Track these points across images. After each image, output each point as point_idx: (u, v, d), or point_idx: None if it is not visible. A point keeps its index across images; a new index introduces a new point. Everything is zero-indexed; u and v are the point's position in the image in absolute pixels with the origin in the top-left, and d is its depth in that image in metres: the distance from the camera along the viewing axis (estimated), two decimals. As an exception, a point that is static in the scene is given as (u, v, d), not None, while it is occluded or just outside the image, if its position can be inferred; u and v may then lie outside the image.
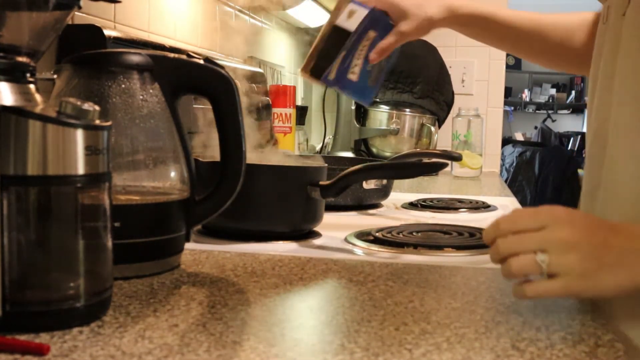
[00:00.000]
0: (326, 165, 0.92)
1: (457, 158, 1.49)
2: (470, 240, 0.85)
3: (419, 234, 0.91)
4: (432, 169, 0.91)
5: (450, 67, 2.26)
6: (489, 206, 1.26)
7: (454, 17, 0.99)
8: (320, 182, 0.85)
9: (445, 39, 2.49)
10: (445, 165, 0.96)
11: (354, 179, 0.87)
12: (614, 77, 0.70)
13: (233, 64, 1.50)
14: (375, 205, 1.25)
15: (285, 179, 0.86)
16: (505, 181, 4.96)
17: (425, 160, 1.36)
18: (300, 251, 0.79)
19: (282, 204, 0.85)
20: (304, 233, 0.88)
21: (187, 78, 0.69)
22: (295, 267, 0.70)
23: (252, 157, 0.98)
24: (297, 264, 0.71)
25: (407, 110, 2.09)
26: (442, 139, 2.25)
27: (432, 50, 2.19)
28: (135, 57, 0.67)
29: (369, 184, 1.17)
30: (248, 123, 1.10)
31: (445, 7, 0.97)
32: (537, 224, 0.52)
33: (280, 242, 0.83)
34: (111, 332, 0.48)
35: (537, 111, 7.93)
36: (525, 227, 0.52)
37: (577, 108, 7.76)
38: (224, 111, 0.69)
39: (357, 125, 2.11)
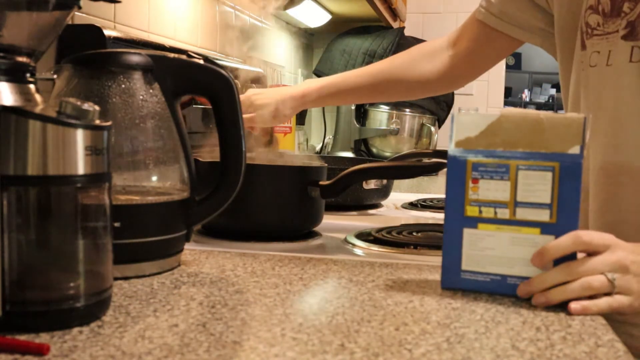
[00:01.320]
0: (326, 165, 0.92)
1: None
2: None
3: (419, 234, 0.91)
4: (433, 169, 0.91)
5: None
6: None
7: (304, 104, 1.11)
8: (320, 182, 0.86)
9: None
10: (445, 165, 0.96)
11: (354, 178, 0.87)
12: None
13: (233, 64, 1.50)
14: (375, 206, 1.25)
15: (285, 179, 0.86)
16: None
17: (426, 160, 1.36)
18: (300, 251, 0.79)
19: (282, 204, 0.85)
20: (304, 233, 0.89)
21: (187, 78, 0.69)
22: (295, 267, 0.70)
23: (253, 156, 0.98)
24: (297, 264, 0.71)
25: (407, 110, 2.09)
26: (442, 139, 2.25)
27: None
28: (135, 57, 0.67)
29: (369, 184, 1.17)
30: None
31: (294, 106, 1.09)
32: (604, 246, 0.59)
33: (280, 242, 0.83)
34: (111, 332, 0.48)
35: (537, 111, 7.93)
36: (597, 247, 0.58)
37: (577, 108, 7.74)
38: (224, 111, 0.69)
39: (357, 125, 2.12)
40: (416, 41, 2.19)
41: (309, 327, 0.51)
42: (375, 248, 0.81)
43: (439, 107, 2.14)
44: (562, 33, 0.87)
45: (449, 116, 2.24)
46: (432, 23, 2.54)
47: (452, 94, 2.22)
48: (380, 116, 2.10)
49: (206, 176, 0.75)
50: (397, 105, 2.08)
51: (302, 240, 0.85)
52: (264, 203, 0.84)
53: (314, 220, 0.89)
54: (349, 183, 0.87)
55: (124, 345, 0.45)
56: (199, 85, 0.70)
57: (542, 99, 8.08)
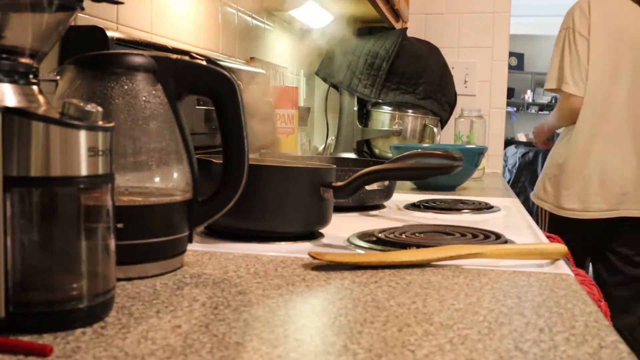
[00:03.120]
0: (335, 166, 0.92)
1: (459, 158, 1.48)
2: (473, 241, 0.85)
3: (422, 234, 0.90)
4: (446, 171, 0.92)
5: (452, 67, 2.27)
6: (491, 207, 1.26)
7: None
8: (334, 184, 0.86)
9: (448, 39, 2.49)
10: (460, 167, 0.97)
11: (369, 179, 0.88)
12: None
13: (235, 65, 1.50)
14: (378, 206, 1.25)
15: (297, 180, 0.86)
16: (508, 182, 4.94)
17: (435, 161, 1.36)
18: (303, 252, 0.78)
19: (295, 205, 0.85)
20: (306, 234, 0.88)
21: (190, 79, 0.69)
22: (297, 268, 0.70)
23: (257, 157, 0.98)
24: (300, 265, 0.71)
25: (410, 111, 2.09)
26: (445, 139, 2.25)
27: (434, 51, 2.19)
28: (138, 58, 0.67)
29: (372, 185, 1.17)
30: (250, 124, 1.10)
31: None
32: None
33: (283, 243, 0.83)
34: (114, 334, 0.47)
35: (539, 112, 7.94)
36: None
37: (580, 109, 7.73)
38: (227, 112, 0.69)
39: (360, 126, 2.12)
40: (419, 42, 2.19)
41: (312, 328, 0.51)
42: (378, 249, 0.81)
43: (441, 108, 2.13)
44: None
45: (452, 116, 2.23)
46: (435, 24, 2.54)
47: (455, 94, 2.22)
48: (383, 117, 2.09)
49: (214, 174, 0.75)
50: (399, 106, 2.07)
51: (306, 241, 0.85)
52: (277, 204, 0.84)
53: (325, 221, 0.89)
54: (364, 184, 0.87)
55: (126, 346, 0.45)
56: (202, 86, 0.70)
57: (544, 99, 8.06)
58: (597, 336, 0.50)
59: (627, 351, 0.47)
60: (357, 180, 0.86)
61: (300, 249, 0.80)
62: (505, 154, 2.61)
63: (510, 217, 1.22)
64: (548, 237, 1.09)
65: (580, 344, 0.48)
